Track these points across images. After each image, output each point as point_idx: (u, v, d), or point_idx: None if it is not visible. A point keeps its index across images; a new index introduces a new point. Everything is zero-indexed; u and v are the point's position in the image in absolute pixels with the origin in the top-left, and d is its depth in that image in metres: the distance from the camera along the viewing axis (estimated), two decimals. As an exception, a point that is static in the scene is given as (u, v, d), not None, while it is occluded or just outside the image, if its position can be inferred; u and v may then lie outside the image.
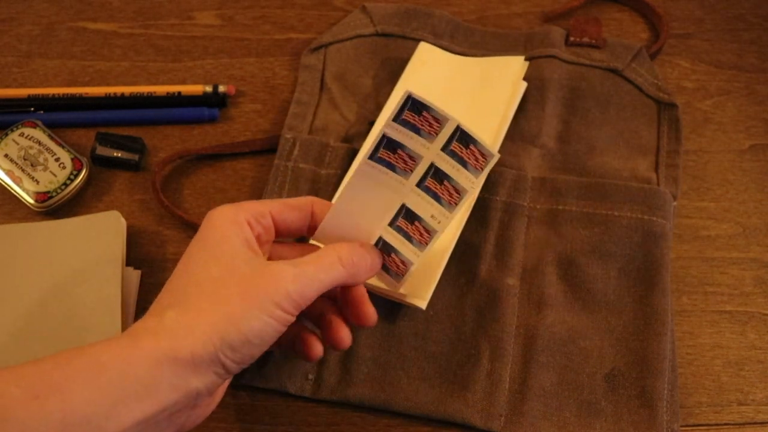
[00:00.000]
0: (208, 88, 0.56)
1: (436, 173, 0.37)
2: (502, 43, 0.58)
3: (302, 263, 0.36)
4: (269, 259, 0.40)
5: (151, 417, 0.31)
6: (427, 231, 0.39)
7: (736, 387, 0.46)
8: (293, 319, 0.35)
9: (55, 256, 0.47)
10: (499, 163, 0.51)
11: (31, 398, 0.29)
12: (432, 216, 0.38)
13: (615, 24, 0.61)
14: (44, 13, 0.61)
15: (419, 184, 0.38)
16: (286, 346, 0.41)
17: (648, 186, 0.50)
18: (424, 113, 0.36)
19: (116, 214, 0.49)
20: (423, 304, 0.45)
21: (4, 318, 0.45)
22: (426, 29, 0.58)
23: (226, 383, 0.40)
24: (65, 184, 0.51)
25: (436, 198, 0.38)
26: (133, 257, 0.50)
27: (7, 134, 0.52)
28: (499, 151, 0.51)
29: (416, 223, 0.39)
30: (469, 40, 0.58)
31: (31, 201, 0.51)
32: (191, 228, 0.51)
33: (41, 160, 0.52)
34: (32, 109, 0.56)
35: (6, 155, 0.52)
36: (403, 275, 0.40)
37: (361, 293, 0.40)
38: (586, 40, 0.57)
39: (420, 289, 0.44)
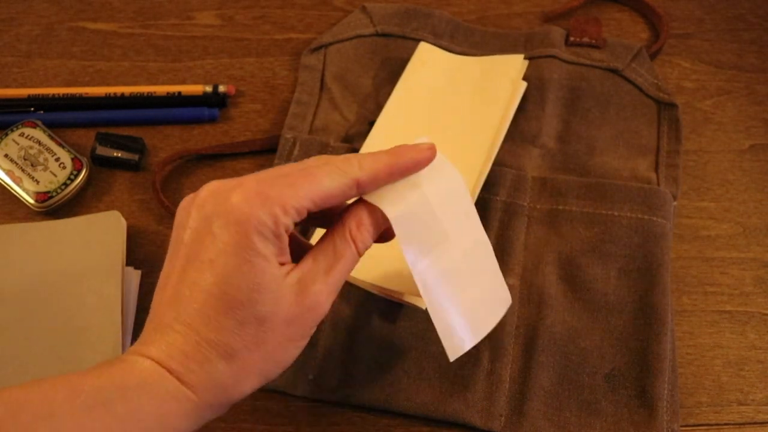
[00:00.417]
0: (208, 88, 0.56)
1: None
2: (502, 43, 0.58)
3: (331, 272, 0.33)
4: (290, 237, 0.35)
5: None
6: None
7: (736, 387, 0.46)
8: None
9: (55, 256, 0.47)
10: (498, 163, 0.51)
11: None
12: None
13: (615, 24, 0.61)
14: (44, 13, 0.61)
15: None
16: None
17: (648, 186, 0.50)
18: None
19: (116, 214, 0.49)
20: (423, 304, 0.45)
21: (4, 318, 0.45)
22: (426, 29, 0.58)
23: None
24: (65, 184, 0.51)
25: None
26: (133, 257, 0.50)
27: (7, 134, 0.52)
28: (499, 151, 0.51)
29: None
30: (469, 40, 0.58)
31: (31, 201, 0.51)
32: (191, 228, 0.51)
33: (41, 160, 0.52)
34: (32, 109, 0.56)
35: (6, 155, 0.52)
36: None
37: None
38: (586, 40, 0.57)
39: (420, 289, 0.44)
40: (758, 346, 0.47)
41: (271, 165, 0.52)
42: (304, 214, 0.32)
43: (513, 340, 0.46)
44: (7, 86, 0.58)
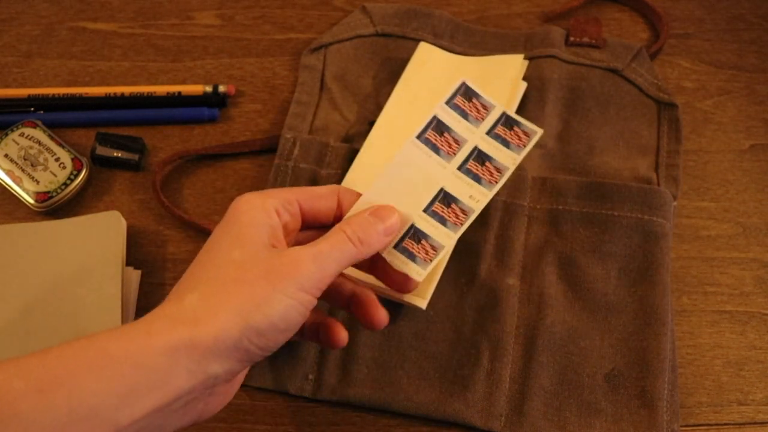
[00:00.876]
0: (208, 88, 0.56)
1: (479, 156, 0.40)
2: (502, 43, 0.58)
3: (316, 244, 0.36)
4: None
5: (165, 405, 0.31)
6: (464, 212, 0.40)
7: (736, 387, 0.46)
8: (315, 301, 0.35)
9: (55, 256, 0.47)
10: (499, 163, 0.51)
11: (35, 392, 0.29)
12: (470, 196, 0.40)
13: (615, 24, 0.61)
14: (44, 13, 0.61)
15: (460, 167, 0.40)
16: (310, 335, 0.41)
17: (648, 186, 0.50)
18: (474, 100, 0.40)
19: (116, 214, 0.49)
20: (423, 304, 0.45)
21: (4, 318, 0.45)
22: (426, 29, 0.58)
23: (246, 371, 0.39)
24: (65, 184, 0.51)
25: (477, 179, 0.40)
26: (133, 257, 0.50)
27: (7, 134, 0.52)
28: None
29: (453, 205, 0.40)
30: (469, 40, 0.58)
31: (31, 201, 0.51)
32: (191, 228, 0.51)
33: (41, 160, 0.52)
34: (32, 109, 0.56)
35: (6, 155, 0.52)
36: (430, 261, 0.40)
37: (371, 297, 0.40)
38: (586, 40, 0.57)
39: (420, 289, 0.44)
40: (758, 346, 0.47)
41: (271, 165, 0.52)
42: (294, 207, 0.38)
43: (513, 340, 0.46)
44: (7, 86, 0.58)
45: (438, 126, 0.40)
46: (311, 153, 0.52)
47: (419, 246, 0.40)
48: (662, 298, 0.46)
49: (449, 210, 0.40)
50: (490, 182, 0.40)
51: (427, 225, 0.40)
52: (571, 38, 0.57)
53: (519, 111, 0.53)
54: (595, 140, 0.53)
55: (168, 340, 0.31)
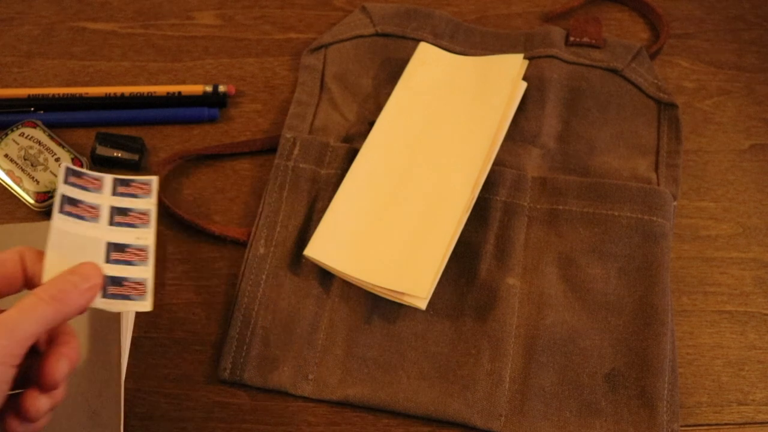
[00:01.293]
0: (208, 88, 0.56)
1: (119, 211, 0.43)
2: (502, 43, 0.58)
3: (5, 313, 0.34)
4: None
5: None
6: (141, 250, 0.42)
7: (736, 387, 0.46)
8: (13, 370, 0.34)
9: (55, 256, 0.47)
10: (498, 163, 0.51)
11: None
12: (137, 238, 0.42)
13: (615, 24, 0.61)
14: (44, 13, 0.61)
15: (111, 224, 0.42)
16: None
17: (648, 186, 0.50)
18: (83, 177, 0.43)
19: (116, 214, 0.49)
20: (423, 305, 0.45)
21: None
22: (426, 29, 0.58)
23: None
24: (65, 184, 0.51)
25: (131, 226, 0.43)
26: (133, 257, 0.50)
27: (7, 134, 0.52)
28: (499, 151, 0.51)
29: (127, 249, 0.42)
30: (469, 40, 0.58)
31: (31, 201, 0.51)
32: (191, 228, 0.51)
33: (41, 160, 0.52)
34: (32, 109, 0.56)
35: (6, 155, 0.52)
36: (145, 293, 0.41)
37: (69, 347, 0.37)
38: (586, 40, 0.57)
39: (420, 289, 0.44)
40: (758, 346, 0.47)
41: (271, 165, 0.52)
42: None
43: (513, 340, 0.46)
44: (7, 86, 0.58)
45: (69, 201, 0.41)
46: (311, 153, 0.52)
47: (124, 287, 0.41)
48: (662, 298, 0.46)
49: (127, 254, 0.41)
50: (144, 223, 0.43)
51: (119, 271, 0.41)
52: (571, 38, 0.57)
53: (519, 111, 0.53)
54: (595, 140, 0.53)
55: None
